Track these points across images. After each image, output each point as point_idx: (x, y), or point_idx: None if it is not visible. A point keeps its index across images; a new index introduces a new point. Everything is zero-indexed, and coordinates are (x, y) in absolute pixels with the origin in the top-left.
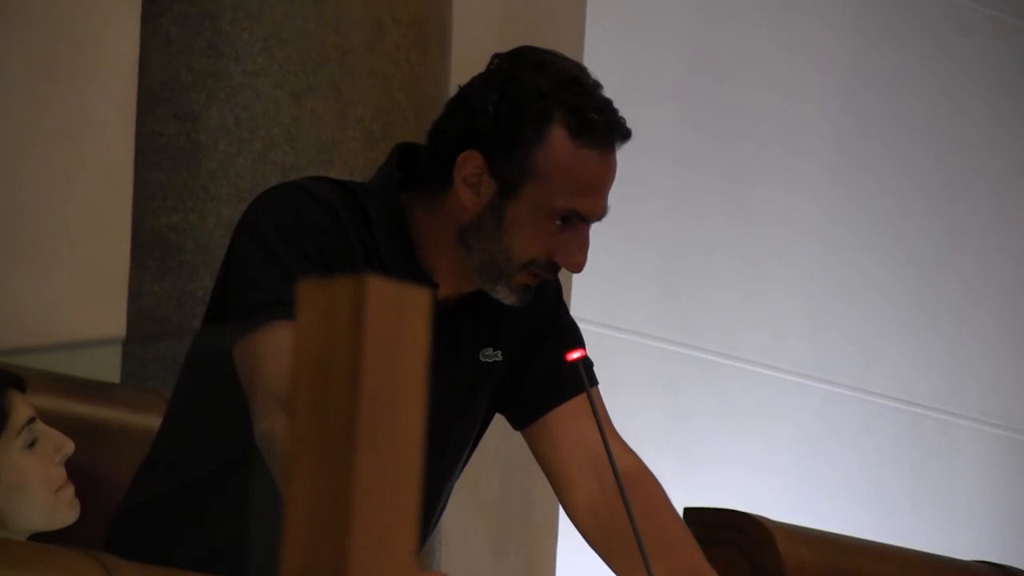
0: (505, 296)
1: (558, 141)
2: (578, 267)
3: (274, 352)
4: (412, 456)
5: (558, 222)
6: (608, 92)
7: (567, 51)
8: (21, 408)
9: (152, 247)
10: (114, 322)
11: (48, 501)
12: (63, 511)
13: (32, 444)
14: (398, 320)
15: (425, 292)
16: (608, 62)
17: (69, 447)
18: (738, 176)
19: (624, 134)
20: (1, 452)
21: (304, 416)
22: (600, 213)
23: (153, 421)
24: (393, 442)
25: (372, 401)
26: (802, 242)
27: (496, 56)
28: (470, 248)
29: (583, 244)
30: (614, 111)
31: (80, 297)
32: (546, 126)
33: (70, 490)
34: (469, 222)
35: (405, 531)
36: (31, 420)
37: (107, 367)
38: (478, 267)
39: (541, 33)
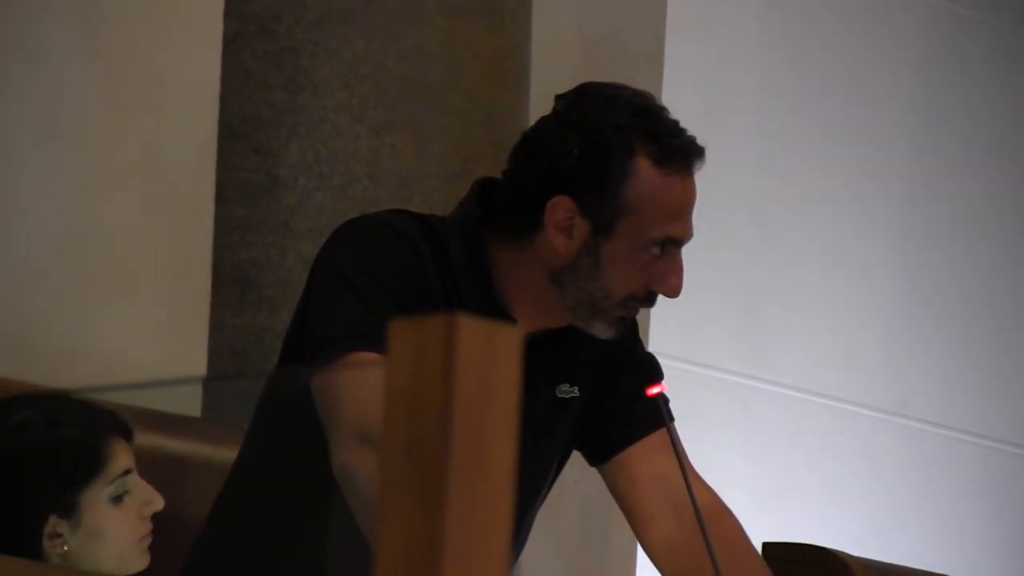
0: (602, 332)
1: (644, 172)
2: (675, 292)
3: (352, 385)
4: (503, 495)
5: (654, 251)
6: (687, 125)
7: (645, 85)
8: (121, 457)
9: (232, 282)
10: (194, 357)
11: (122, 551)
12: (133, 561)
13: (120, 497)
14: (489, 359)
15: (515, 331)
16: (686, 96)
17: (158, 504)
18: (816, 211)
19: (701, 153)
20: (90, 496)
21: (395, 455)
22: (691, 234)
23: (234, 455)
24: (485, 481)
25: (463, 440)
26: (880, 277)
27: (559, 97)
28: (564, 288)
29: (678, 269)
30: (685, 132)
31: (161, 332)
32: (630, 159)
33: (147, 541)
34: (563, 265)
35: (496, 571)
36: (126, 472)
37: (188, 401)
38: (574, 307)
39: (619, 67)
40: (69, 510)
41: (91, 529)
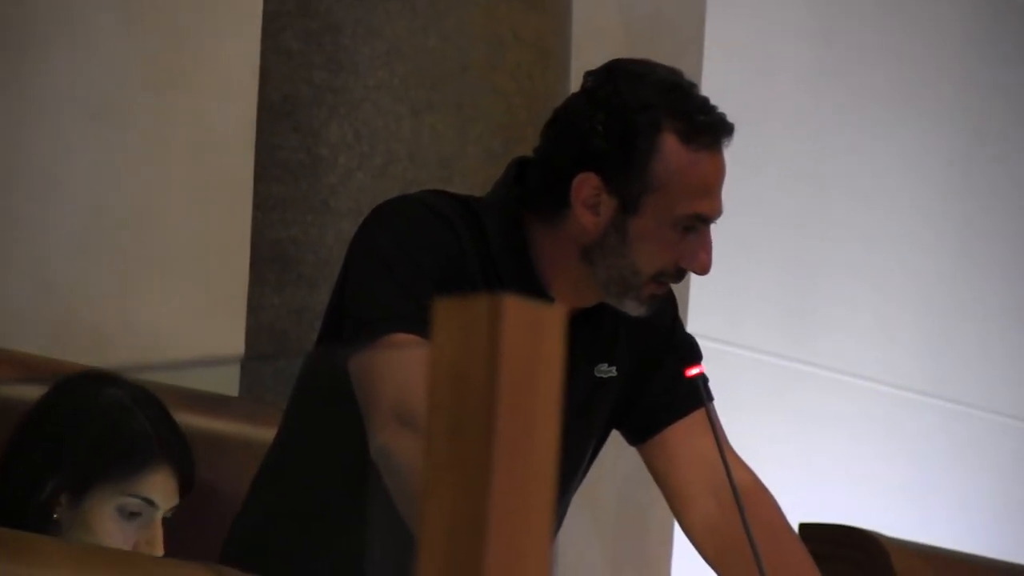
0: (633, 308)
1: (671, 149)
2: (704, 269)
3: (390, 367)
4: (547, 475)
5: (683, 228)
6: (727, 109)
7: (687, 66)
8: (157, 487)
9: (271, 261)
10: (233, 335)
11: None
12: None
13: (132, 515)
14: (534, 340)
15: (560, 311)
16: (728, 79)
17: (157, 553)
18: (857, 194)
19: (729, 130)
20: (101, 494)
21: (439, 436)
22: (719, 212)
23: (271, 434)
24: (529, 461)
25: (508, 421)
26: (921, 259)
27: (588, 74)
28: (594, 265)
29: (707, 246)
30: (715, 109)
31: (200, 310)
32: (657, 136)
33: None
34: (592, 242)
35: (539, 552)
36: (151, 502)
37: (226, 380)
38: (605, 283)
39: (660, 50)
40: (78, 492)
41: (86, 523)
